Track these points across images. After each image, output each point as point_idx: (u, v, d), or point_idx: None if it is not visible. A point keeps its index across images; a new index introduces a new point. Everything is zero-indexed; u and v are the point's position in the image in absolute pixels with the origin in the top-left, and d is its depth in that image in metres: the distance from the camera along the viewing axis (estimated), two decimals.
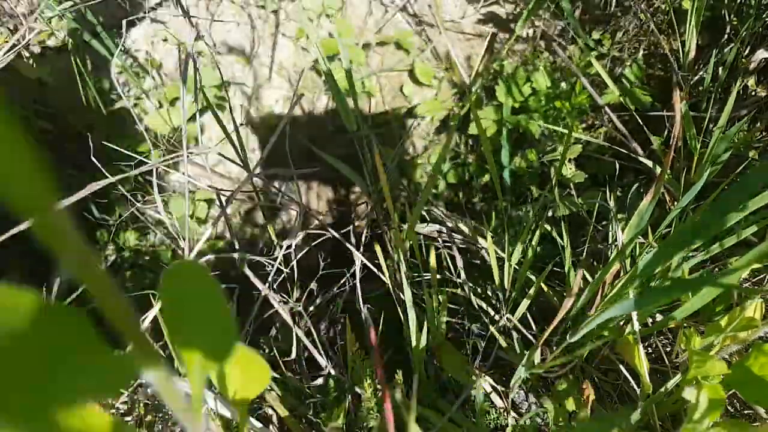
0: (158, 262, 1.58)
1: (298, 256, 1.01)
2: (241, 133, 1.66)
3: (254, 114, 1.68)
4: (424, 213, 1.19)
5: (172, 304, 0.23)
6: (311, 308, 1.05)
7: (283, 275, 1.01)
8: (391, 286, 0.99)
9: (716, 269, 0.92)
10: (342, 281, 1.11)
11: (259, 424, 0.68)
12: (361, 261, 1.02)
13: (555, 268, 1.06)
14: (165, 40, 1.63)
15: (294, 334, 0.96)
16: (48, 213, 0.15)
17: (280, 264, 0.97)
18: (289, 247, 0.97)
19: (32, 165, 0.14)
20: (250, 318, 1.00)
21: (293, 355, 0.97)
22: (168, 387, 0.22)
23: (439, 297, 0.96)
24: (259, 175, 0.98)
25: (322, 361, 0.94)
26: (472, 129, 1.54)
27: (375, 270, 1.01)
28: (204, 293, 0.23)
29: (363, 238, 1.13)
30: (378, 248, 0.96)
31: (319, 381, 0.95)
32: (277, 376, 0.94)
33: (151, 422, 0.78)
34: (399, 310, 0.96)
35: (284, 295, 1.03)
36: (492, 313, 1.00)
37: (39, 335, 0.15)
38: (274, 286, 1.04)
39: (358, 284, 0.99)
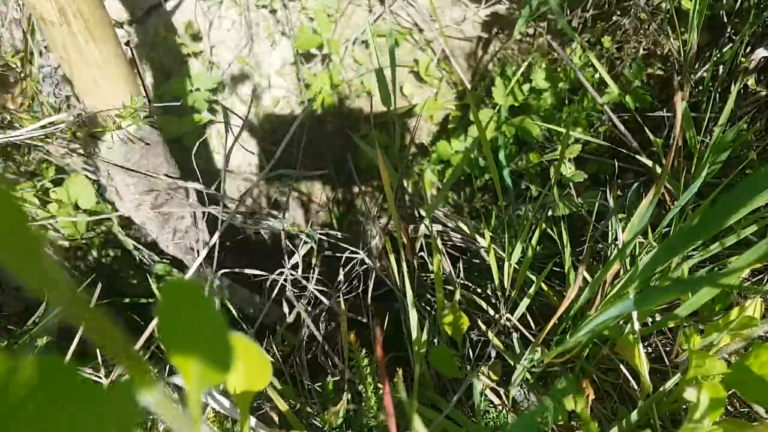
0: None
1: (302, 252, 1.01)
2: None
3: (253, 115, 1.68)
4: (423, 212, 1.19)
5: (169, 321, 0.23)
6: (312, 309, 1.06)
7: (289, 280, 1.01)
8: (398, 286, 1.00)
9: (716, 268, 0.93)
10: (344, 281, 1.11)
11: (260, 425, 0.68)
12: (363, 260, 1.02)
13: (555, 268, 1.06)
14: (164, 38, 1.63)
15: (299, 334, 0.96)
16: (37, 264, 0.16)
17: (290, 275, 0.97)
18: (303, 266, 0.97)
19: (19, 221, 0.15)
20: (257, 321, 1.00)
21: (295, 355, 0.97)
22: (166, 407, 0.23)
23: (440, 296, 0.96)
24: (267, 177, 0.98)
25: (324, 361, 0.95)
26: (472, 131, 1.55)
27: (385, 273, 1.01)
28: (200, 311, 0.23)
29: (367, 239, 1.13)
30: (389, 247, 0.96)
31: (321, 381, 0.95)
32: (279, 377, 0.94)
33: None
34: (402, 309, 0.96)
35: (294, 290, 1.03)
36: (492, 312, 1.00)
37: (33, 397, 0.16)
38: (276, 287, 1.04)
39: (369, 286, 1.00)
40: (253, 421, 0.65)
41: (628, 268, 0.84)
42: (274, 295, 1.01)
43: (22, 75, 1.14)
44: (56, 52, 0.81)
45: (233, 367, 0.29)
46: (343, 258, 1.13)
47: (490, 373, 0.86)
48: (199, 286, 0.24)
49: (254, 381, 0.31)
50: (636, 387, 0.82)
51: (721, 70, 1.18)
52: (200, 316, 0.23)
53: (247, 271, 1.02)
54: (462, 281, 1.06)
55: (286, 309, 1.06)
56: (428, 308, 1.10)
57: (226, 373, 0.23)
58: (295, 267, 1.03)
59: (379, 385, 0.80)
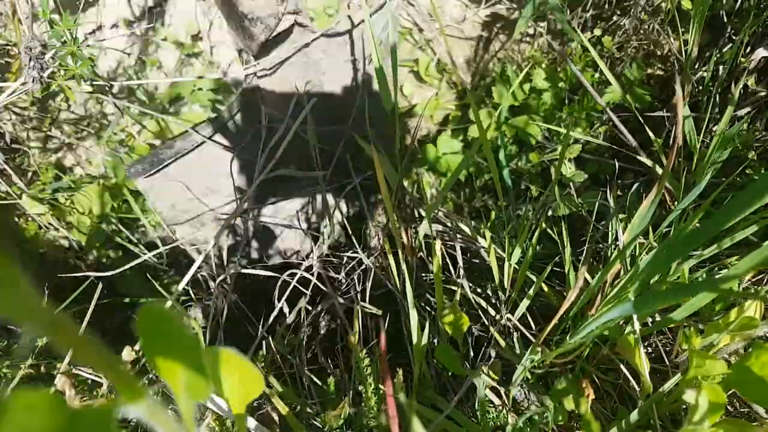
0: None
1: (321, 248, 1.01)
2: None
3: None
4: (423, 212, 1.19)
5: (149, 342, 0.24)
6: (312, 309, 1.06)
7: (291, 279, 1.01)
8: (396, 286, 1.00)
9: (716, 268, 0.93)
10: (345, 281, 1.11)
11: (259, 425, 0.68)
12: (368, 262, 1.02)
13: (555, 268, 1.06)
14: (164, 39, 1.63)
15: (300, 334, 0.96)
16: (18, 297, 0.16)
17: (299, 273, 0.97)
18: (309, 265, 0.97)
19: None
20: (264, 324, 1.00)
21: (296, 355, 0.97)
22: (157, 416, 0.23)
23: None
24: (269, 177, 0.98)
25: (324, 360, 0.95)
26: (472, 131, 1.54)
27: (384, 273, 1.01)
28: (175, 336, 0.24)
29: (368, 239, 1.13)
30: (388, 248, 0.96)
31: (321, 381, 0.95)
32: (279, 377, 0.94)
33: None
34: (402, 309, 0.96)
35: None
36: (492, 312, 1.00)
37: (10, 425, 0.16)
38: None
39: (368, 287, 1.00)
40: (253, 422, 0.65)
41: (629, 268, 0.84)
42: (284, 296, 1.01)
43: (17, 51, 1.11)
44: None
45: (226, 378, 0.30)
46: (345, 258, 1.13)
47: (490, 372, 0.86)
48: (172, 313, 0.25)
49: (247, 392, 0.32)
50: (636, 387, 0.82)
51: (721, 70, 1.18)
52: (176, 341, 0.24)
53: (253, 272, 1.02)
54: (462, 281, 1.06)
55: (286, 309, 1.06)
56: (428, 308, 1.10)
57: (207, 392, 0.24)
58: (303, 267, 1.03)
59: (380, 386, 0.80)
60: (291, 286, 0.99)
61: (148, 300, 1.41)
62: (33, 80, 0.94)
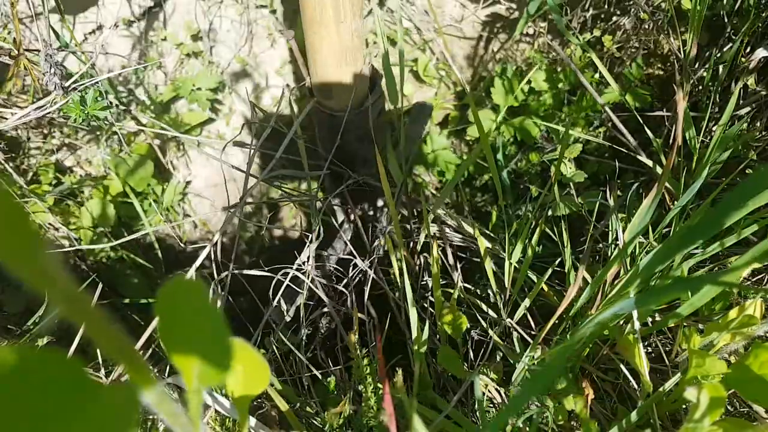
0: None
1: (308, 259, 1.01)
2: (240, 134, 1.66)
3: (251, 115, 1.68)
4: (424, 212, 1.19)
5: (168, 320, 0.23)
6: (315, 310, 1.05)
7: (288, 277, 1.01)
8: (396, 286, 0.99)
9: (716, 268, 0.93)
10: (345, 281, 1.11)
11: (260, 424, 0.68)
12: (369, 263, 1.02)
13: (555, 268, 1.06)
14: (164, 39, 1.63)
15: (300, 333, 0.96)
16: (37, 263, 0.15)
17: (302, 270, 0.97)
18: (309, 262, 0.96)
19: (17, 218, 0.15)
20: (262, 322, 1.00)
21: (296, 354, 0.97)
22: (165, 406, 0.23)
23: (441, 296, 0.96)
24: (268, 178, 0.98)
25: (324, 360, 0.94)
26: (471, 131, 1.55)
27: (385, 271, 1.01)
28: (200, 310, 0.23)
29: (371, 241, 1.13)
30: (390, 245, 0.96)
31: (321, 380, 0.95)
32: (279, 376, 0.94)
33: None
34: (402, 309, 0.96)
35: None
36: (492, 313, 1.00)
37: (35, 392, 0.16)
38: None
39: (366, 289, 0.99)
40: (253, 421, 0.65)
41: (629, 268, 0.84)
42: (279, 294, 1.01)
43: (13, 54, 1.10)
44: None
45: (232, 368, 0.29)
46: (340, 259, 1.13)
47: (490, 372, 0.86)
48: (200, 284, 0.24)
49: (253, 384, 0.31)
50: (636, 387, 0.82)
51: (720, 70, 1.18)
52: (200, 315, 0.23)
53: (250, 272, 1.02)
54: (462, 282, 1.06)
55: (284, 307, 1.06)
56: (430, 309, 1.10)
57: (225, 373, 0.23)
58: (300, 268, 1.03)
59: (379, 385, 0.80)
60: (284, 285, 0.99)
61: (148, 300, 1.41)
62: (55, 87, 0.94)
